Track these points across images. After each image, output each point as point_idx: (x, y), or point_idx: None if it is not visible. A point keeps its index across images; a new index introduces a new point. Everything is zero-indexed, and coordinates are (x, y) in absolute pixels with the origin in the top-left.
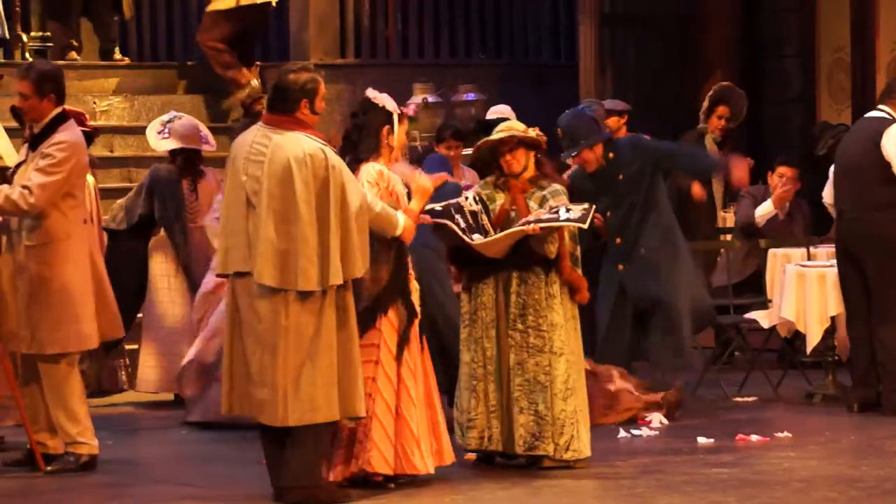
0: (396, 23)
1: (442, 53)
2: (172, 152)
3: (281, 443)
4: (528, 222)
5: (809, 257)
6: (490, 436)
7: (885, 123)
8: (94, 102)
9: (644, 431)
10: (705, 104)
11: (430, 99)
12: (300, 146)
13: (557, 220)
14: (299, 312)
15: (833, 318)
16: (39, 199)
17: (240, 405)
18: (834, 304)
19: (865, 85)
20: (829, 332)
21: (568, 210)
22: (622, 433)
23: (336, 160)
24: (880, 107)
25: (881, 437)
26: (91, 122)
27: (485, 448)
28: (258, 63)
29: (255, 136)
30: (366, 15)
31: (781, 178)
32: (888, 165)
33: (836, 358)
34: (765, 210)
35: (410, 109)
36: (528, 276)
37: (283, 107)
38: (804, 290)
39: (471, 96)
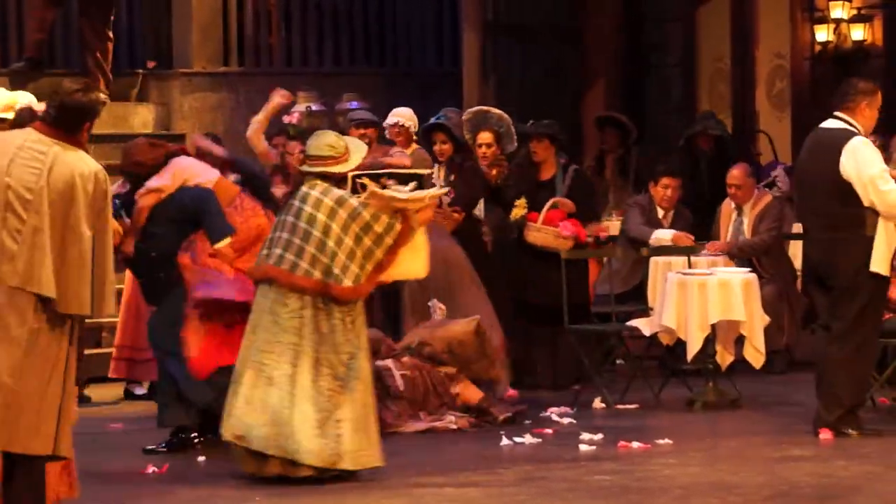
0: (280, 31)
1: (325, 62)
2: None
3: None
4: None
5: (690, 265)
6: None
7: (844, 136)
8: None
9: (527, 439)
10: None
11: (314, 107)
12: (85, 162)
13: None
14: (64, 336)
15: (714, 326)
16: None
17: (6, 439)
18: (715, 312)
19: (745, 94)
20: (710, 340)
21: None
22: (504, 440)
23: (109, 187)
24: (836, 114)
25: (760, 444)
26: None
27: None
28: (140, 71)
29: (27, 140)
30: (249, 23)
31: (666, 189)
32: (848, 184)
33: (716, 365)
34: (664, 237)
35: (294, 118)
36: None
37: (68, 126)
38: (685, 298)
39: (354, 105)
